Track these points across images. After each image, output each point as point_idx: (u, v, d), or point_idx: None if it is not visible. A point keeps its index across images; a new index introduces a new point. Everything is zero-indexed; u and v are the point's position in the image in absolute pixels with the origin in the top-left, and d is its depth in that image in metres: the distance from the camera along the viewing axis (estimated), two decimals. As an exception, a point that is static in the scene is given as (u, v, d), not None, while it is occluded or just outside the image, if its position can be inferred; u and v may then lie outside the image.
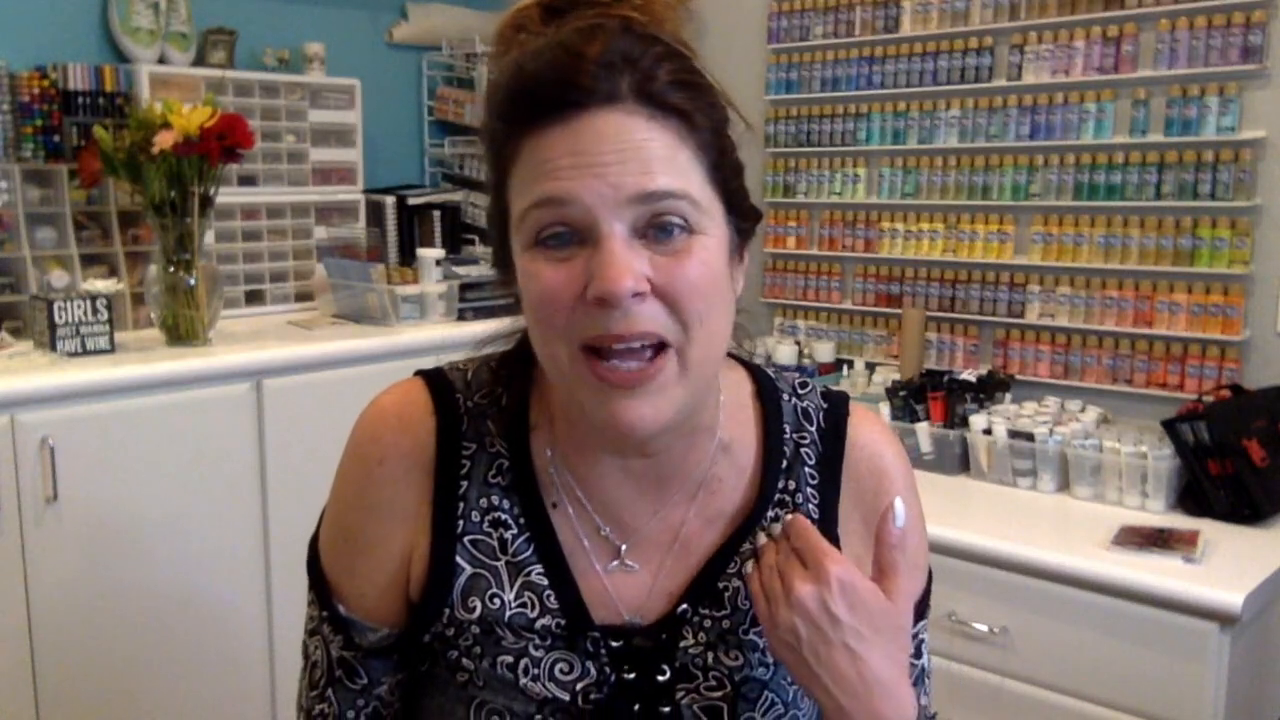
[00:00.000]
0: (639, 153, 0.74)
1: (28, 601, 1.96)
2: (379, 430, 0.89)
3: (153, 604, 2.13)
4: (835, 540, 0.90)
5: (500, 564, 0.86)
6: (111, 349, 2.22)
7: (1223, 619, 1.71)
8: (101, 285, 2.29)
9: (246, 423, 2.24)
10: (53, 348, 2.16)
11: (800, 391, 0.95)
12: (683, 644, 0.87)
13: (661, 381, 0.76)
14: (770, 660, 0.88)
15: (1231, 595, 1.70)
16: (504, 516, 0.87)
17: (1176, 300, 2.34)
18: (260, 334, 2.53)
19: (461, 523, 0.87)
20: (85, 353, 2.18)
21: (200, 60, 2.74)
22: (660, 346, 0.76)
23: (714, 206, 0.79)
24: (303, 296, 2.93)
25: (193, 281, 2.30)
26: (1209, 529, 1.94)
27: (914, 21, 2.70)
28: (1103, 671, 1.82)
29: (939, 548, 1.97)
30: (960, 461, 2.31)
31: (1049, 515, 2.08)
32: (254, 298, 2.85)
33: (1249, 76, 2.25)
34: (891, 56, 2.75)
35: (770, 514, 0.89)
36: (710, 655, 0.87)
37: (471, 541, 0.87)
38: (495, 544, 0.87)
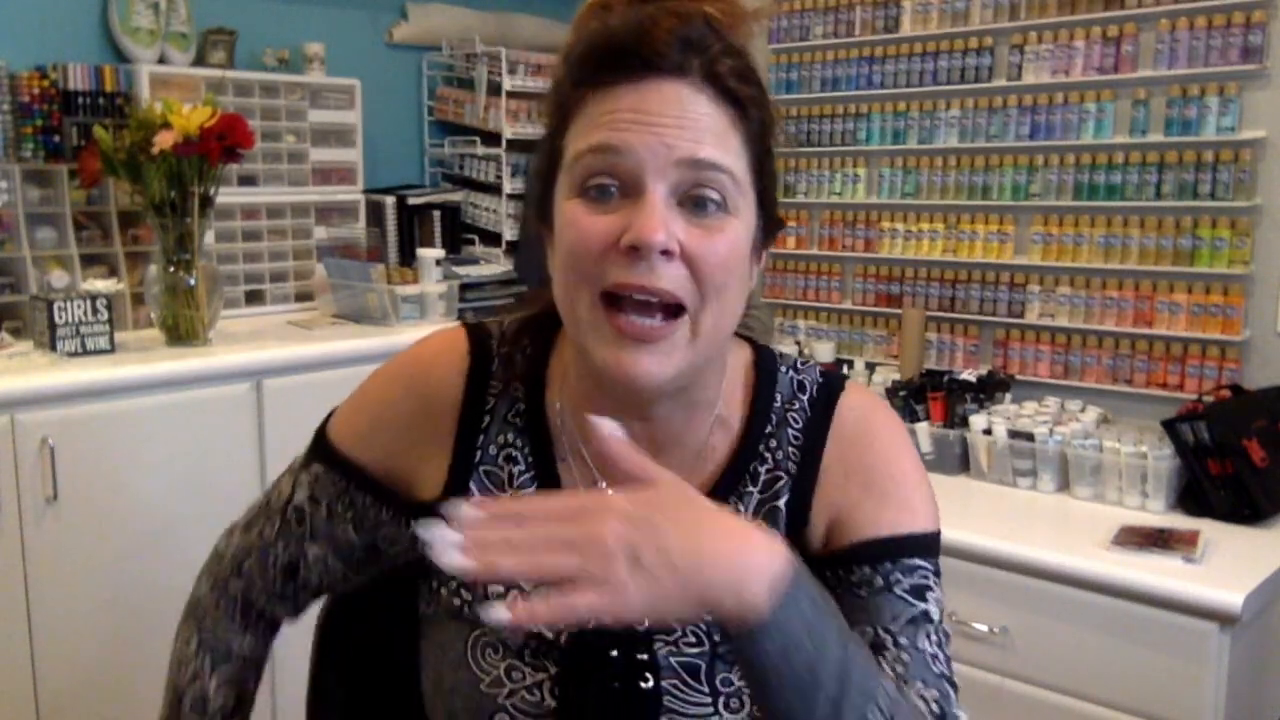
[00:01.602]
0: (696, 123, 0.80)
1: (28, 601, 1.96)
2: (422, 353, 0.98)
3: (153, 604, 2.13)
4: (808, 495, 0.91)
5: (504, 496, 0.93)
6: (111, 349, 2.22)
7: (1223, 619, 1.71)
8: (101, 285, 2.29)
9: (246, 423, 2.24)
10: (53, 348, 2.16)
11: (799, 367, 0.98)
12: None
13: (672, 342, 0.81)
14: None
15: (1231, 595, 1.70)
16: (515, 454, 0.94)
17: (1176, 300, 2.34)
18: (260, 334, 2.53)
19: (479, 453, 0.94)
20: (85, 353, 2.18)
21: (200, 60, 2.74)
22: (675, 310, 0.81)
23: (750, 193, 0.84)
24: (303, 296, 2.93)
25: (193, 281, 2.30)
26: (1209, 529, 1.94)
27: (914, 21, 2.70)
28: (1103, 671, 1.82)
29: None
30: (960, 461, 2.31)
31: (1049, 515, 2.08)
32: (254, 298, 2.85)
33: (1249, 76, 2.25)
34: (891, 56, 2.75)
35: (750, 468, 0.92)
36: None
37: (486, 472, 0.94)
38: (504, 476, 0.94)
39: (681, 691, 0.89)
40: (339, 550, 1.01)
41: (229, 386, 2.22)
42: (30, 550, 1.95)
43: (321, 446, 1.01)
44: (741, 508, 0.91)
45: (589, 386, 0.91)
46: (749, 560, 0.71)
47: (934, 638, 0.87)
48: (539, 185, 0.89)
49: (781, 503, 0.91)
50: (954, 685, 0.87)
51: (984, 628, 1.93)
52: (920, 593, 0.89)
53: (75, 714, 2.04)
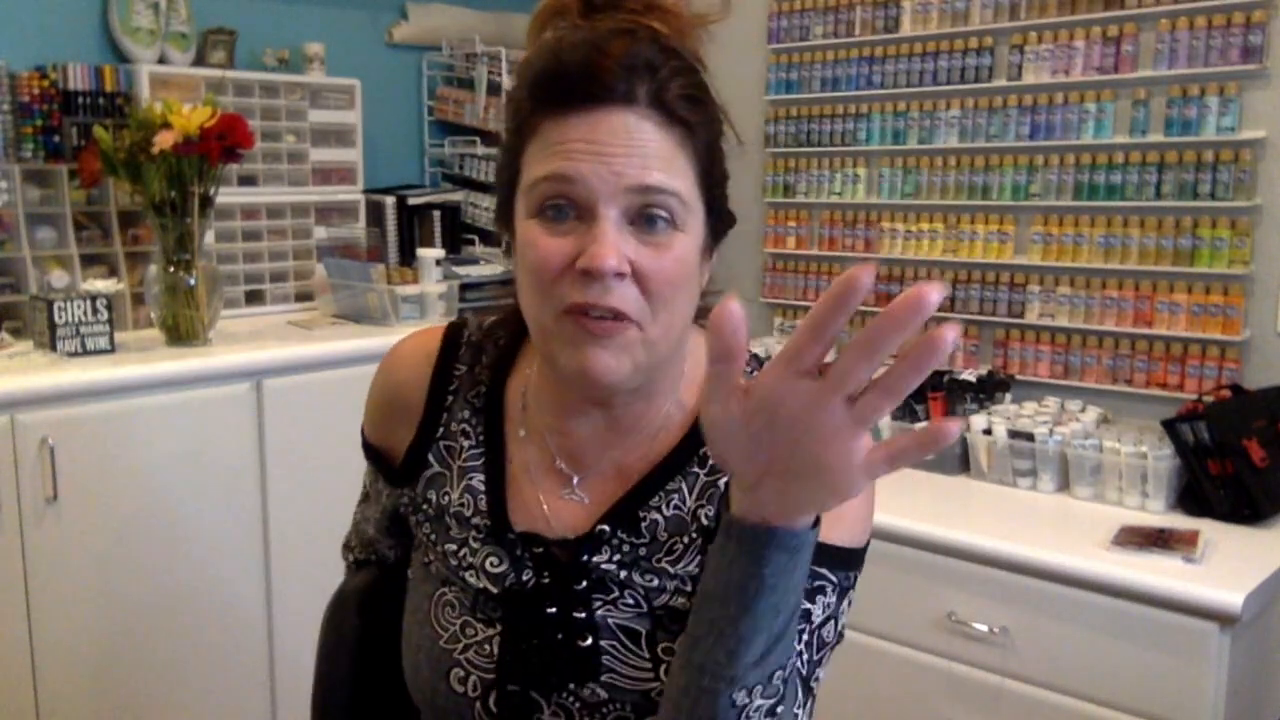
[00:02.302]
0: (644, 150, 0.85)
1: (28, 601, 1.96)
2: (397, 347, 1.09)
3: (153, 603, 2.13)
4: None
5: (454, 466, 1.01)
6: (111, 349, 2.22)
7: (1223, 619, 1.71)
8: (101, 285, 2.29)
9: (246, 423, 2.24)
10: (53, 348, 2.16)
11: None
12: (596, 559, 0.95)
13: (626, 339, 0.87)
14: (689, 589, 0.93)
15: (1231, 595, 1.70)
16: (469, 429, 1.02)
17: (1176, 300, 2.34)
18: (260, 334, 2.53)
19: (441, 429, 1.03)
20: (85, 353, 2.18)
21: (200, 60, 2.74)
22: (621, 318, 0.87)
23: (697, 207, 0.90)
24: (303, 296, 2.93)
25: (193, 281, 2.30)
26: (1209, 529, 1.94)
27: (914, 21, 2.70)
28: (1103, 671, 1.82)
29: (939, 548, 1.97)
30: (960, 461, 2.31)
31: (1049, 515, 2.08)
32: (254, 298, 2.85)
33: (1249, 76, 2.25)
34: (891, 56, 2.75)
35: (700, 452, 0.96)
36: (624, 573, 0.94)
37: (445, 445, 1.02)
38: (457, 449, 1.02)
39: (620, 653, 0.93)
40: (381, 529, 1.13)
41: (229, 386, 2.22)
42: (30, 550, 1.95)
43: (362, 435, 1.11)
44: (685, 486, 0.95)
45: (554, 381, 0.97)
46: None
47: (805, 637, 0.89)
48: (501, 189, 0.95)
49: (721, 483, 0.95)
50: (809, 689, 0.89)
51: (984, 628, 1.93)
52: (811, 594, 0.90)
53: (75, 714, 2.04)
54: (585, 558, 0.95)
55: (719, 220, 0.94)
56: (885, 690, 2.05)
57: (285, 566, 2.28)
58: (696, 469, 0.96)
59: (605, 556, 0.95)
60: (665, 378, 0.96)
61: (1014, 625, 1.91)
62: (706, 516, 0.94)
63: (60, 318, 2.16)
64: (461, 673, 0.95)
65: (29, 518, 1.95)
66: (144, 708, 2.14)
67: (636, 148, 0.85)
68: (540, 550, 0.96)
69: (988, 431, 2.24)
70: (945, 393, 2.36)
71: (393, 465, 1.06)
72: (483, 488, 0.99)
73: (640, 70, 0.86)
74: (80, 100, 2.50)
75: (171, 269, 2.29)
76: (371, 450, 1.09)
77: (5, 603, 1.93)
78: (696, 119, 0.88)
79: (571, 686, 0.92)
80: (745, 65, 2.99)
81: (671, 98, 0.86)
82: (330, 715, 1.16)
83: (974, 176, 2.62)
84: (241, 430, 2.23)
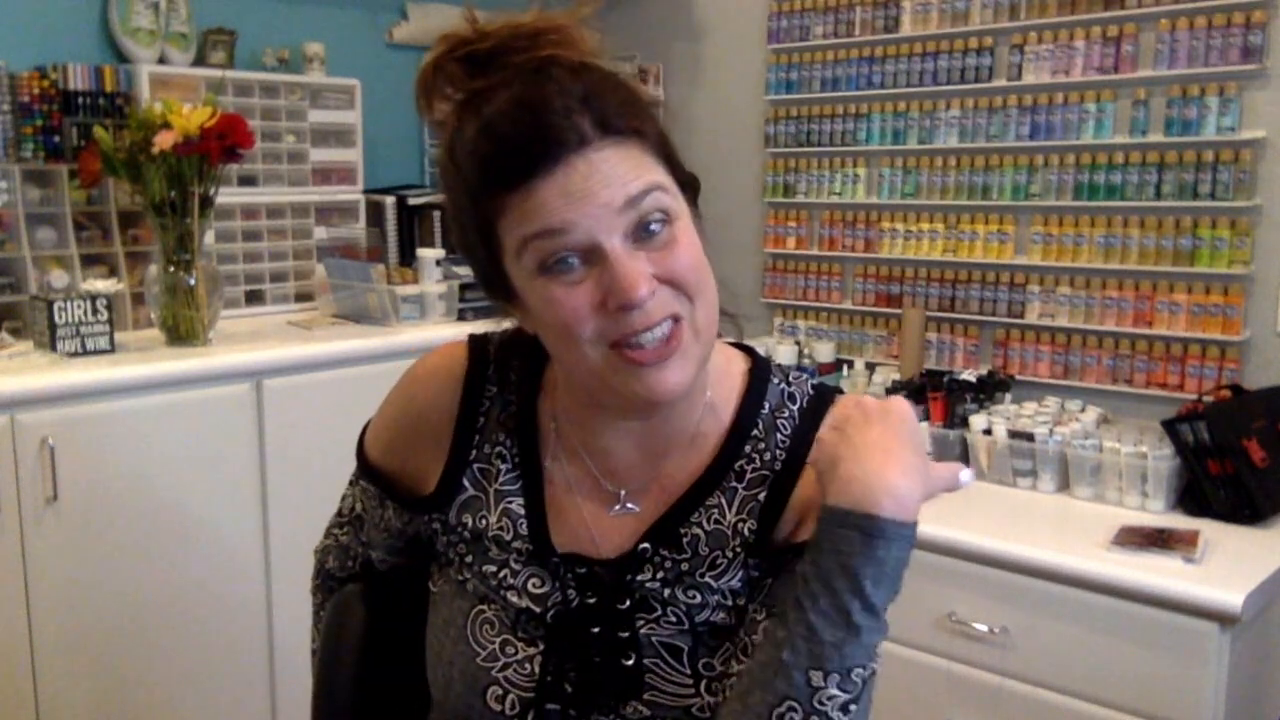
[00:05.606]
0: (614, 170, 0.85)
1: (28, 601, 1.96)
2: (420, 370, 1.06)
3: (153, 603, 2.13)
4: (786, 493, 0.96)
5: (490, 490, 1.00)
6: (111, 349, 2.22)
7: (1223, 619, 1.71)
8: (101, 285, 2.29)
9: (246, 423, 2.24)
10: (53, 348, 2.16)
11: (791, 378, 1.03)
12: (640, 578, 0.95)
13: (682, 349, 0.88)
14: (730, 603, 0.94)
15: (1231, 595, 1.70)
16: (504, 451, 1.01)
17: (1176, 300, 2.34)
18: (260, 334, 2.52)
19: (474, 452, 1.01)
20: (85, 353, 2.18)
21: (200, 60, 2.74)
22: (674, 319, 0.87)
23: (675, 188, 0.90)
24: (303, 296, 2.93)
25: (193, 281, 2.30)
26: (1209, 529, 1.94)
27: (914, 21, 2.70)
28: (1103, 671, 1.82)
29: (939, 548, 1.97)
30: (960, 461, 2.31)
31: (1049, 515, 2.08)
32: (254, 298, 2.85)
33: (1249, 76, 2.25)
34: (891, 56, 2.75)
35: (736, 466, 0.97)
36: (667, 591, 0.95)
37: (479, 469, 1.01)
38: (493, 473, 1.01)
39: (663, 670, 0.94)
40: (392, 551, 1.11)
41: (229, 386, 2.22)
42: (30, 550, 1.95)
43: (359, 459, 1.10)
44: (724, 500, 0.96)
45: (585, 401, 0.97)
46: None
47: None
48: (480, 267, 0.93)
49: (761, 497, 0.96)
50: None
51: (984, 628, 1.93)
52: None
53: (75, 714, 2.04)
54: (629, 577, 0.95)
55: (689, 188, 0.93)
56: (885, 690, 2.04)
57: (285, 566, 2.28)
58: (735, 483, 0.97)
59: (649, 575, 0.95)
60: (700, 372, 0.95)
61: (1014, 625, 1.91)
62: (749, 530, 0.95)
63: (60, 318, 2.16)
64: (499, 691, 0.95)
65: (29, 518, 1.95)
66: (144, 708, 2.14)
67: (608, 173, 0.84)
68: (584, 571, 0.96)
69: (988, 431, 2.25)
70: (945, 393, 2.36)
71: (407, 490, 1.05)
72: (522, 511, 0.99)
73: (575, 109, 0.84)
74: (80, 100, 2.50)
75: (171, 269, 2.29)
76: (377, 476, 1.07)
77: (5, 603, 1.93)
78: (640, 120, 0.88)
79: (614, 705, 0.93)
80: (745, 65, 2.98)
81: (613, 117, 0.85)
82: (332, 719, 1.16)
83: (974, 176, 2.63)
84: (241, 430, 2.23)
